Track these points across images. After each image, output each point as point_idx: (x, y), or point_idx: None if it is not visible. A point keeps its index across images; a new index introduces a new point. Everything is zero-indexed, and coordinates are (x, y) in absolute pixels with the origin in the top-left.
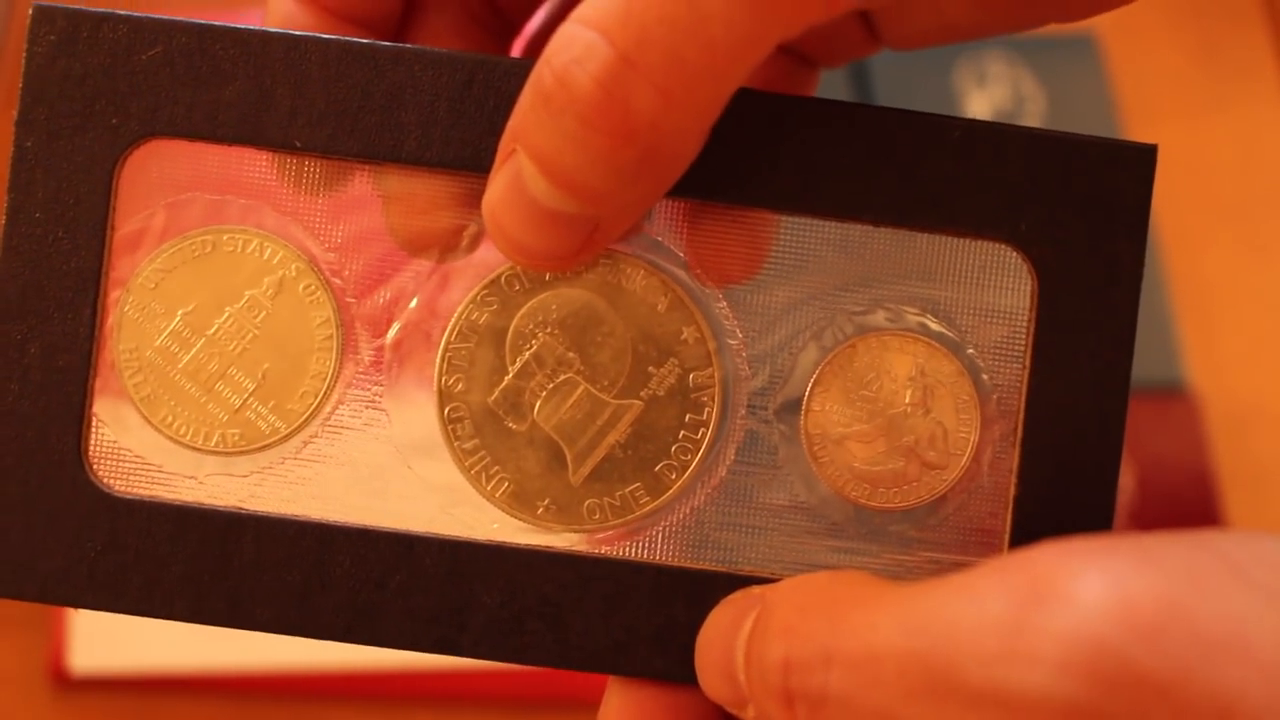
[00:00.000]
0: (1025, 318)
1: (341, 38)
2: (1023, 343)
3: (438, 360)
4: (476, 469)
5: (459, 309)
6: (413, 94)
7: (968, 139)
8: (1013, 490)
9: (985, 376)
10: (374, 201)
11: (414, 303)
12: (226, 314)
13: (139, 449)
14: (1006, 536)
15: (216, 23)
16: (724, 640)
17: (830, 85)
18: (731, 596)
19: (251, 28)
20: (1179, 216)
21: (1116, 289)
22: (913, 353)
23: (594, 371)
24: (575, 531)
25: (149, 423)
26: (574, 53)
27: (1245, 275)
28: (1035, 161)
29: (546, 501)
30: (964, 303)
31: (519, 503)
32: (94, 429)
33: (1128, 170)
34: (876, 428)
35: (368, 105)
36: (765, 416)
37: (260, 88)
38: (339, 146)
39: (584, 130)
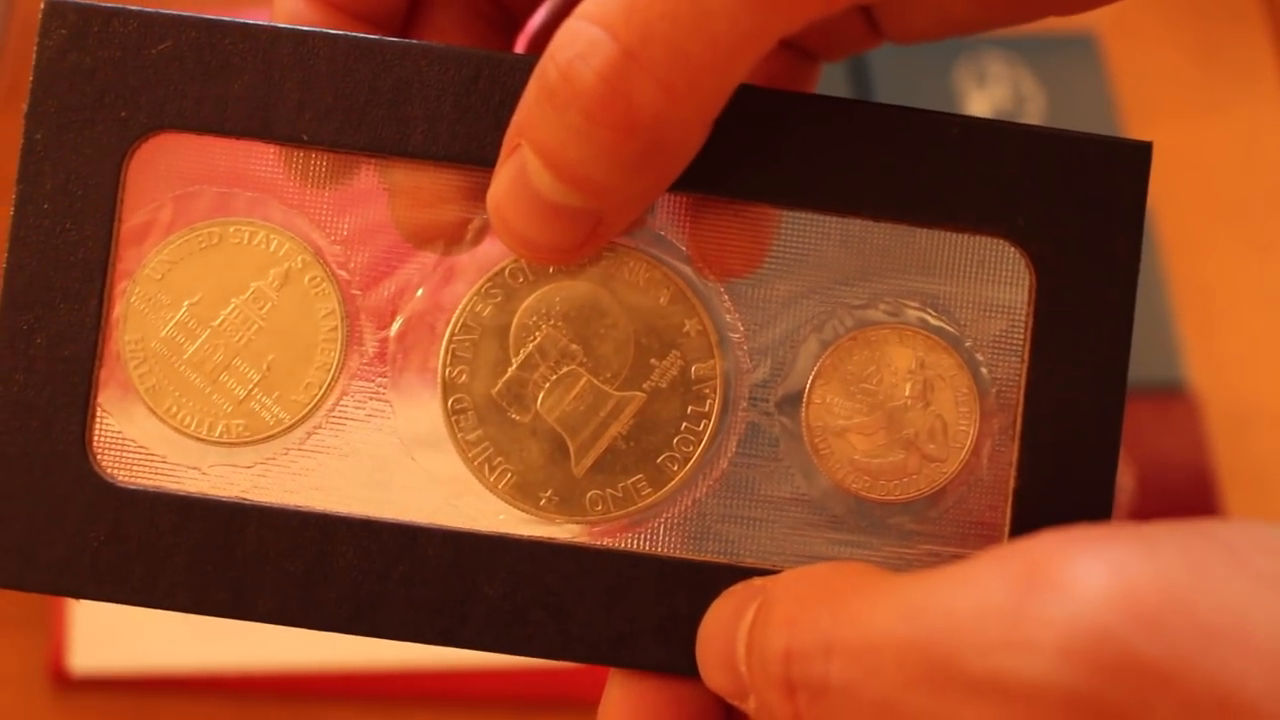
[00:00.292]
0: (1024, 312)
1: (348, 33)
2: (1021, 337)
3: (442, 352)
4: (480, 460)
5: (463, 301)
6: (419, 89)
7: (966, 135)
8: (1012, 483)
9: (984, 370)
10: (380, 195)
11: (419, 295)
12: (232, 305)
13: (143, 439)
14: (1006, 529)
15: (225, 18)
16: (725, 631)
17: (831, 85)
18: (733, 588)
19: (259, 23)
20: (1179, 216)
21: (1114, 283)
22: (912, 346)
23: (597, 363)
24: (577, 523)
25: (153, 413)
26: (578, 48)
27: (1245, 275)
28: (1033, 158)
29: (549, 493)
30: (963, 297)
31: (522, 494)
32: (98, 419)
33: (1124, 166)
34: (876, 420)
35: (374, 100)
36: (766, 409)
37: (268, 82)
38: (345, 140)
39: (588, 124)
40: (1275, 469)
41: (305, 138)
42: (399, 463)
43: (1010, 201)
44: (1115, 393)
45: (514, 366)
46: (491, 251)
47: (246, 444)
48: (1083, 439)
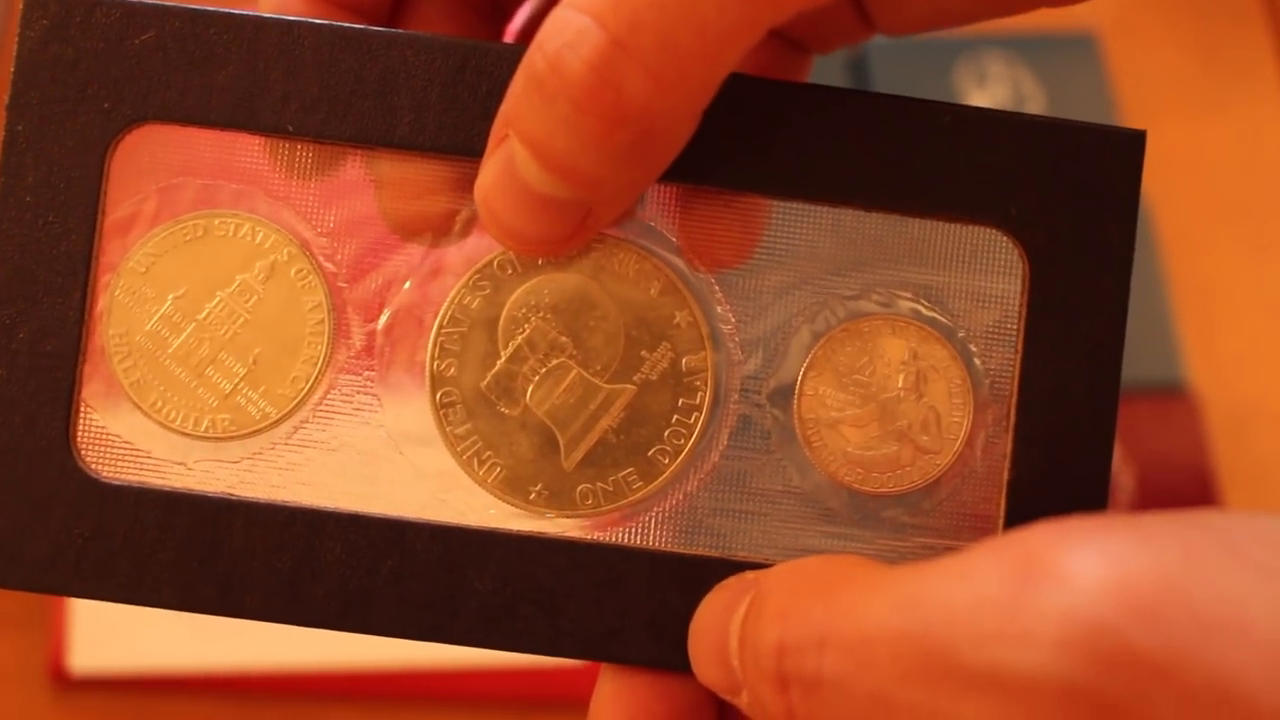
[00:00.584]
0: (1017, 302)
1: (334, 23)
2: (1015, 327)
3: (430, 345)
4: (469, 454)
5: (451, 294)
6: (405, 79)
7: (958, 125)
8: (1006, 475)
9: (978, 361)
10: (366, 186)
11: (406, 287)
12: (217, 298)
13: (128, 434)
14: (1000, 521)
15: (209, 8)
16: (718, 625)
17: (830, 83)
18: (725, 582)
19: (244, 12)
20: (1179, 216)
21: (1108, 273)
22: (905, 337)
23: (586, 356)
24: (568, 517)
25: (138, 408)
26: (566, 37)
27: (1245, 275)
28: (1026, 147)
29: (539, 487)
30: (956, 287)
31: (511, 488)
32: (83, 414)
33: (1118, 155)
34: (869, 412)
35: (360, 90)
36: (758, 401)
37: (253, 72)
38: (331, 131)
39: (576, 115)
40: (1275, 469)
41: (291, 129)
42: (387, 457)
43: (1003, 191)
44: (1109, 383)
45: (503, 359)
46: (480, 243)
47: (233, 439)
48: (1077, 430)
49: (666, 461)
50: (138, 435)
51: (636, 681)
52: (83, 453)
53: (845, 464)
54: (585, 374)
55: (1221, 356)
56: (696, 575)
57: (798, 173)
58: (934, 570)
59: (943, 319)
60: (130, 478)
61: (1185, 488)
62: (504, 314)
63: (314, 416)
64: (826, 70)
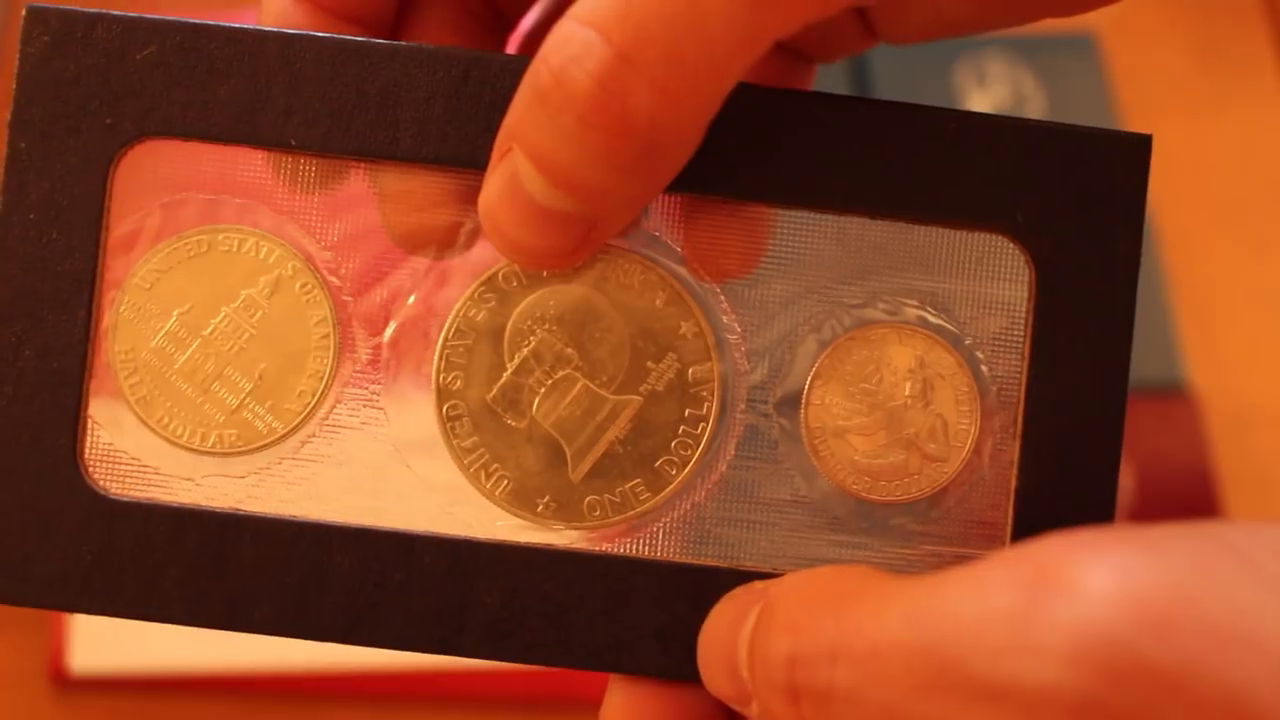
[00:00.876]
0: (1023, 309)
1: (336, 36)
2: (1021, 334)
3: (435, 358)
4: (475, 467)
5: (456, 306)
6: (408, 91)
7: (963, 131)
8: (1014, 482)
9: (984, 368)
10: (370, 199)
11: (411, 300)
12: (223, 314)
13: (135, 451)
14: (1008, 529)
15: (210, 22)
16: (727, 636)
17: (830, 86)
18: (734, 592)
19: (245, 26)
20: (1179, 216)
21: (1114, 279)
22: (912, 345)
23: (592, 367)
24: (576, 529)
25: (145, 424)
26: (572, 50)
27: (1245, 275)
28: (1031, 153)
29: (546, 499)
30: (962, 294)
31: (519, 500)
32: (89, 431)
33: (1123, 160)
34: (876, 420)
35: (363, 103)
36: (765, 411)
37: (255, 87)
38: (334, 144)
39: (582, 128)
40: (1275, 469)
41: (293, 142)
42: (394, 471)
43: (1009, 197)
44: (1117, 389)
45: (509, 371)
46: (484, 255)
47: (240, 454)
48: (1085, 436)
49: (674, 472)
50: (145, 452)
51: (645, 692)
52: (90, 470)
53: (853, 472)
54: (591, 385)
55: (1221, 356)
56: (705, 585)
57: (802, 181)
58: (945, 582)
59: (949, 326)
60: (138, 494)
61: (1185, 488)
62: (509, 326)
63: (320, 431)
64: (827, 70)
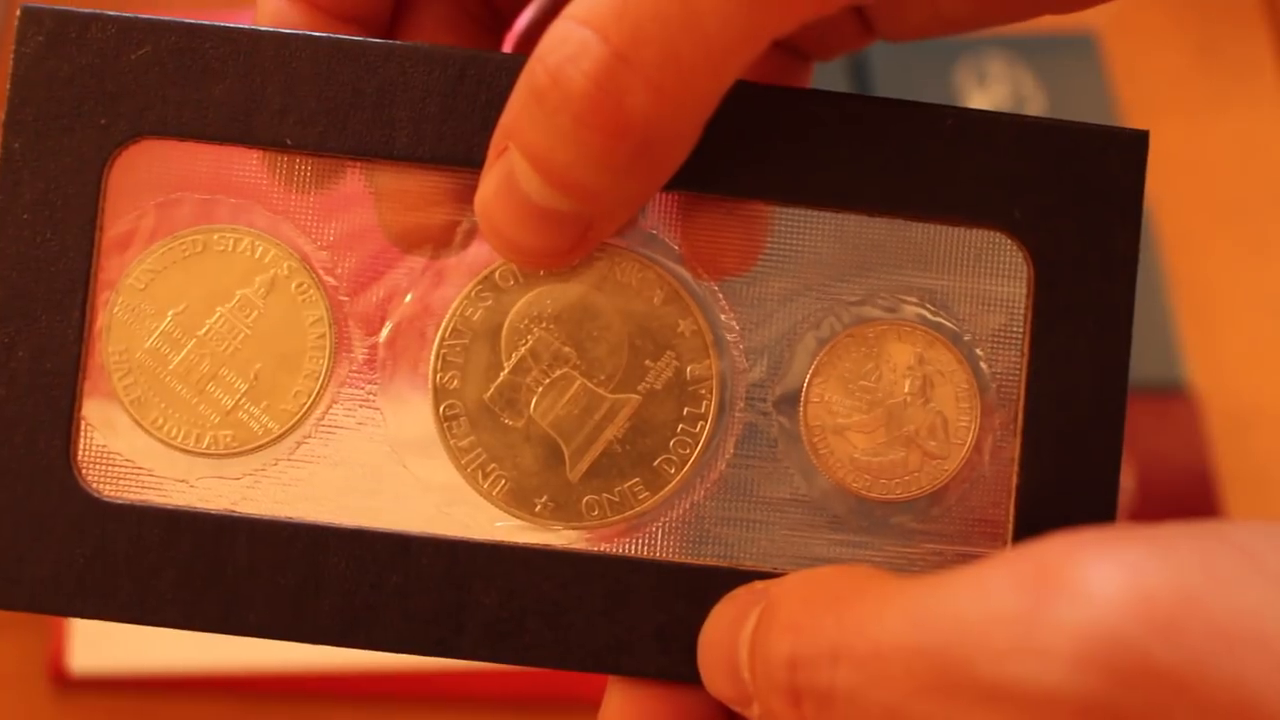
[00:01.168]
0: (1022, 305)
1: (331, 35)
2: (1020, 330)
3: (432, 357)
4: (473, 467)
5: (453, 305)
6: (403, 90)
7: (961, 128)
8: (1014, 479)
9: (984, 365)
10: (366, 199)
11: (408, 300)
12: (218, 314)
13: (129, 453)
14: (1010, 526)
15: (205, 22)
16: (727, 637)
17: (830, 86)
18: (734, 592)
19: (240, 26)
20: (1179, 216)
21: (1113, 274)
22: (911, 342)
23: (590, 366)
24: (574, 529)
25: (139, 426)
26: (568, 50)
27: (1245, 275)
28: (1028, 149)
29: (544, 498)
30: (961, 291)
31: (516, 500)
32: (83, 433)
33: (1121, 156)
34: (876, 418)
35: (358, 102)
36: (764, 409)
37: (250, 86)
38: (330, 144)
39: (578, 128)
40: (1275, 469)
41: (289, 142)
42: (391, 471)
43: (1006, 193)
44: (1117, 385)
45: (506, 371)
46: (481, 254)
47: (235, 455)
48: (1086, 433)
49: (672, 471)
50: (139, 453)
51: (645, 694)
52: (84, 472)
53: (852, 470)
54: (589, 384)
55: (1221, 356)
56: (704, 585)
57: (800, 179)
58: (948, 582)
59: (948, 323)
60: (132, 496)
61: (1185, 488)
62: (506, 325)
63: (316, 431)
64: (826, 70)
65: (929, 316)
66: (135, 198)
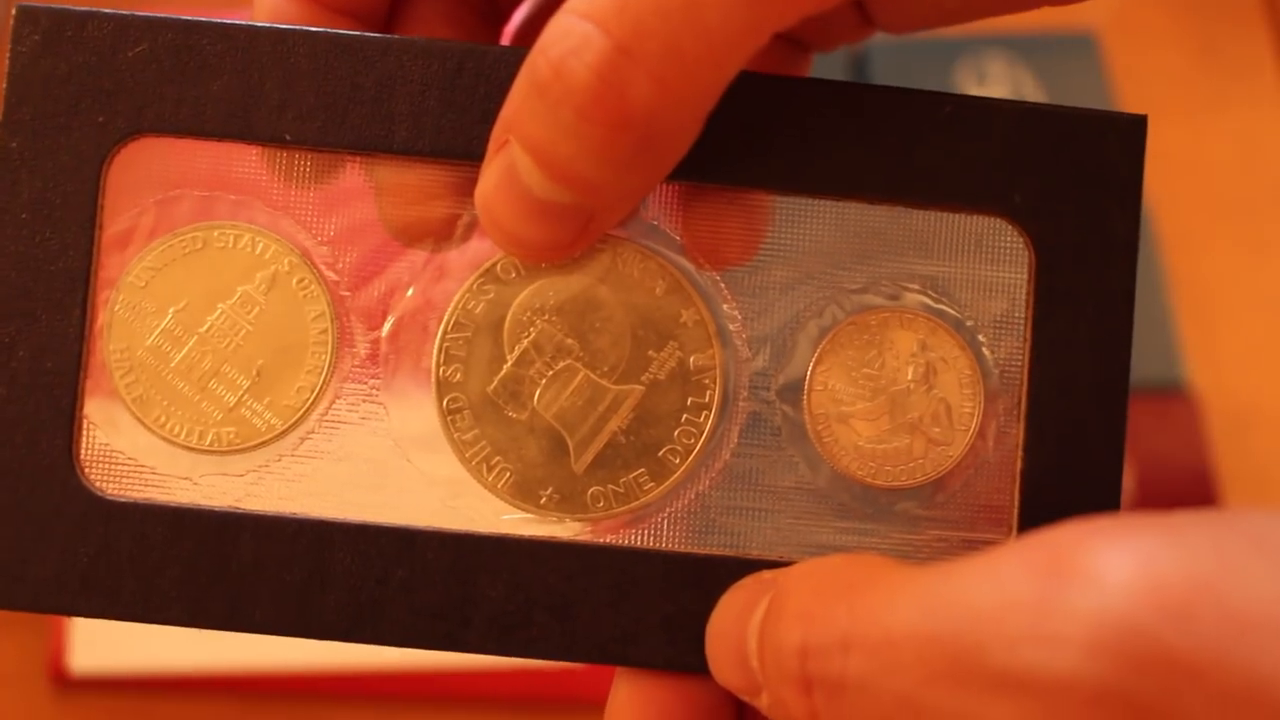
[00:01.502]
0: (1024, 291)
1: (329, 30)
2: (1022, 316)
3: (435, 351)
4: (477, 460)
5: (455, 298)
6: (402, 84)
7: (959, 114)
8: (1019, 465)
9: (987, 351)
10: (366, 193)
11: (409, 294)
12: (219, 310)
13: (131, 451)
14: (1015, 512)
15: (202, 18)
16: (736, 627)
17: None
18: (742, 582)
19: (237, 22)
20: (1179, 216)
21: (1113, 258)
22: (913, 329)
23: (593, 357)
24: (579, 520)
25: (141, 423)
26: (570, 43)
27: (1245, 275)
28: (1027, 134)
29: (550, 491)
30: (962, 278)
31: (522, 493)
32: (85, 431)
33: (1119, 140)
34: (880, 405)
35: (357, 97)
36: (767, 398)
37: (248, 82)
38: (329, 139)
39: (580, 121)
40: (1275, 469)
41: (288, 137)
42: (395, 465)
43: (1006, 179)
44: (1119, 368)
45: (509, 363)
46: (482, 247)
47: (238, 452)
48: (1089, 417)
49: (677, 461)
50: (141, 451)
51: (653, 684)
52: (86, 470)
53: (857, 458)
54: (593, 375)
55: (1221, 356)
56: (711, 575)
57: (800, 168)
58: (960, 570)
59: (950, 310)
60: (135, 494)
61: (1185, 488)
62: (509, 317)
63: (320, 427)
64: (827, 71)
65: (931, 303)
66: (134, 195)
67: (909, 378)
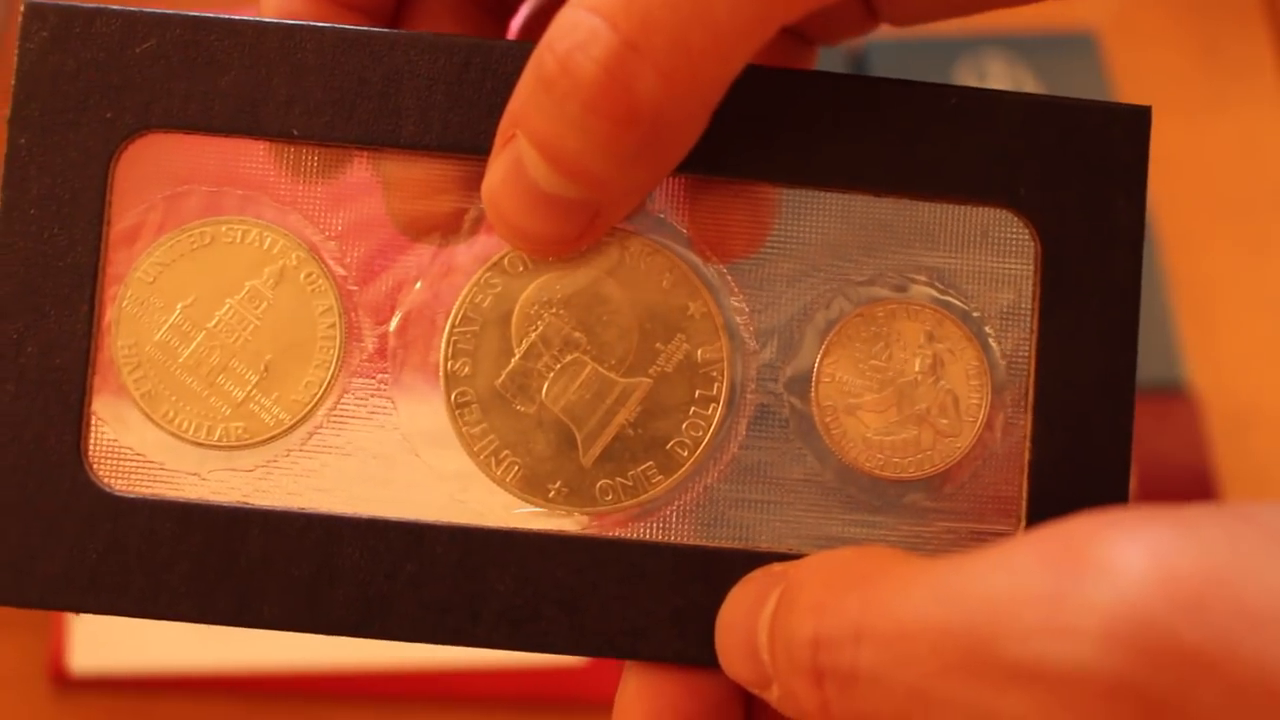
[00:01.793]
0: (1030, 282)
1: (336, 25)
2: (1029, 307)
3: (443, 345)
4: (486, 454)
5: (462, 293)
6: (409, 79)
7: (964, 106)
8: (1027, 455)
9: (993, 342)
10: (374, 188)
11: (417, 288)
12: (227, 306)
13: (140, 447)
14: (1023, 503)
15: (209, 14)
16: (746, 619)
17: None
18: (752, 575)
19: (245, 18)
20: (1179, 216)
21: (1119, 249)
22: (920, 320)
23: (601, 350)
24: (588, 513)
25: (150, 419)
26: (577, 37)
27: (1245, 275)
28: (1031, 126)
29: (558, 484)
30: (968, 269)
31: (530, 486)
32: (93, 427)
33: (1123, 131)
34: (887, 397)
35: (365, 91)
36: (775, 389)
37: (255, 78)
38: (337, 134)
39: (587, 115)
40: (1275, 469)
41: (295, 132)
42: (403, 460)
43: (1011, 171)
44: (1126, 358)
45: (517, 357)
46: (489, 241)
47: (246, 447)
48: (1096, 407)
49: (685, 454)
50: (150, 447)
51: (662, 678)
52: (95, 466)
53: (865, 450)
54: (600, 369)
55: (1221, 356)
56: (720, 568)
57: (806, 160)
58: (973, 562)
59: (957, 301)
60: (143, 490)
61: (1185, 488)
62: (516, 311)
63: (328, 421)
64: (828, 66)
65: (937, 295)
66: (142, 191)
67: (916, 369)
